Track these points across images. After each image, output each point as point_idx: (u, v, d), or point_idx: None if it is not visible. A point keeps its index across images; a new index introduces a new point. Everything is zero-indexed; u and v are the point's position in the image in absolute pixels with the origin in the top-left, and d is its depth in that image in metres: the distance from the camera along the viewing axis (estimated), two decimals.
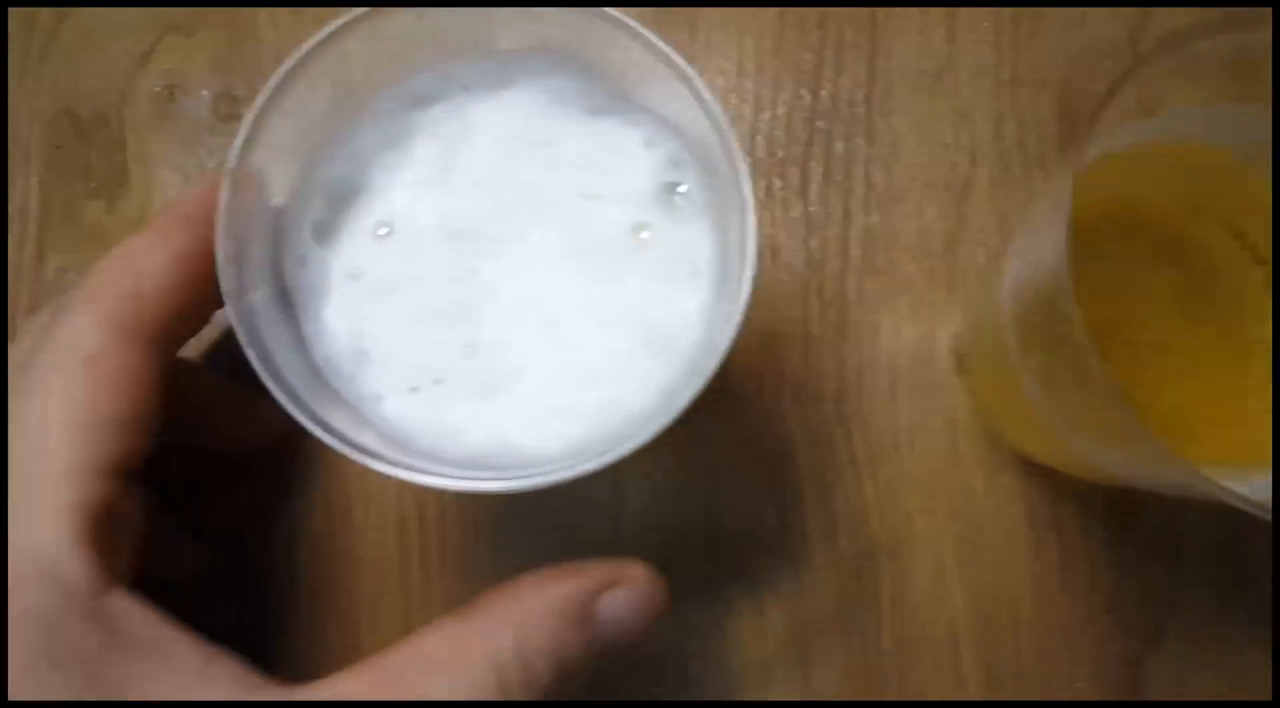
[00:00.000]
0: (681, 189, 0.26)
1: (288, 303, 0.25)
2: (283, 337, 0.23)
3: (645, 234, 0.26)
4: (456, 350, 0.25)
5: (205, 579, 0.33)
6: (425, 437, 0.24)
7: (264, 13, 0.38)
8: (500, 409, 0.25)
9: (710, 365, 0.22)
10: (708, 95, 0.23)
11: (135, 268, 0.25)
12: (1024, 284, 0.26)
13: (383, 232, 0.26)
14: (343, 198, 0.26)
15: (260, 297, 0.24)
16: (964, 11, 0.37)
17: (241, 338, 0.22)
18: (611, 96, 0.26)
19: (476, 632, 0.23)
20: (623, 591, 0.24)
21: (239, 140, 0.23)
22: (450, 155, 0.26)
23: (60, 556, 0.22)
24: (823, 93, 0.36)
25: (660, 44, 0.23)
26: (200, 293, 0.25)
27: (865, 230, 0.36)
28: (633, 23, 0.23)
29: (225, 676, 0.23)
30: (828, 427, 0.35)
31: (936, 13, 0.37)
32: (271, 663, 0.24)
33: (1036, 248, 0.25)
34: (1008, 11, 0.37)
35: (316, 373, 0.24)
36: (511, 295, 0.25)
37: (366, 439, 0.22)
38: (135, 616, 0.23)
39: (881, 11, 0.37)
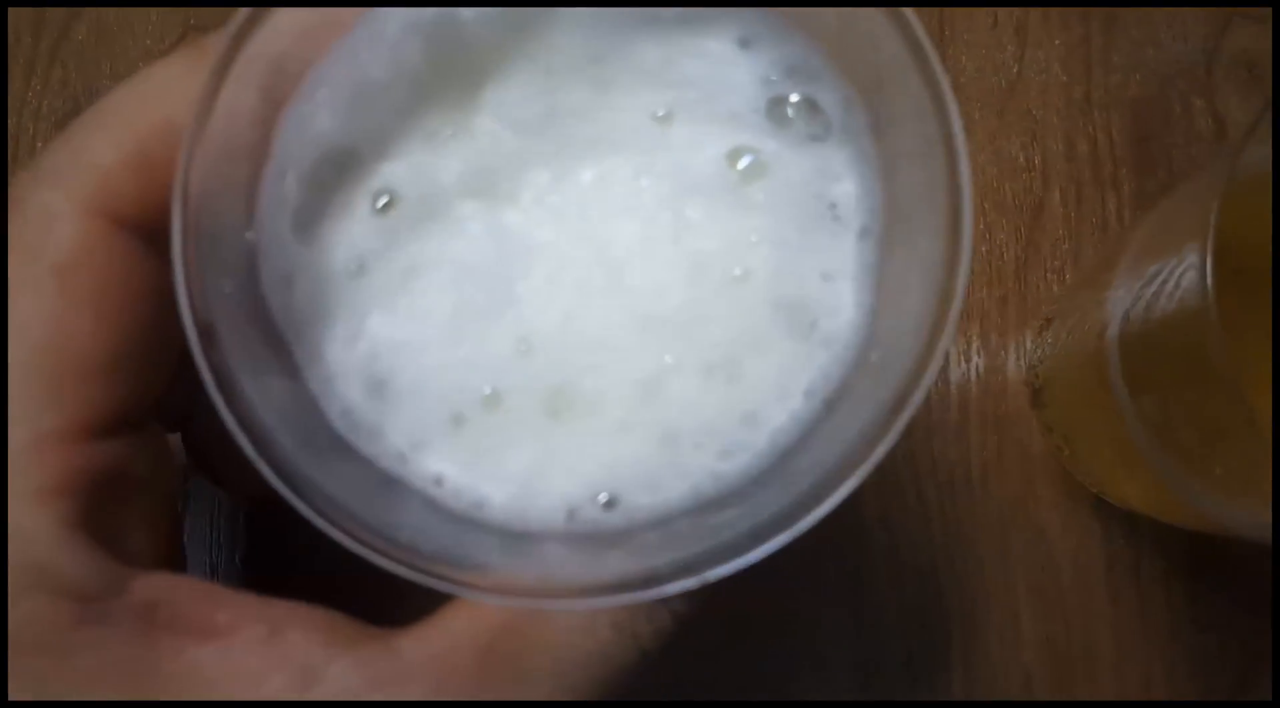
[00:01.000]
0: (794, 99, 0.19)
1: (283, 355, 0.18)
2: (280, 403, 0.17)
3: (746, 161, 0.19)
4: (507, 352, 0.18)
5: None
6: (500, 495, 0.18)
7: None
8: (582, 438, 0.18)
9: (930, 369, 0.16)
10: None
11: (158, 99, 0.17)
12: (1140, 317, 0.24)
13: (383, 202, 0.19)
14: (328, 169, 0.19)
15: (238, 349, 0.17)
16: (1035, 28, 0.35)
17: (225, 414, 0.16)
18: None
19: None
20: None
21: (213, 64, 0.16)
22: (470, 91, 0.19)
23: (51, 554, 0.17)
24: None
25: None
26: None
27: None
28: None
29: (301, 641, 0.18)
30: (893, 464, 0.33)
31: (1006, 28, 0.35)
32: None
33: (1161, 277, 0.23)
34: (1079, 29, 0.35)
35: (340, 445, 0.18)
36: (572, 261, 0.19)
37: (432, 534, 0.17)
38: (172, 597, 0.18)
39: (949, 26, 0.35)
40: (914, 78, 0.17)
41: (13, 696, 0.17)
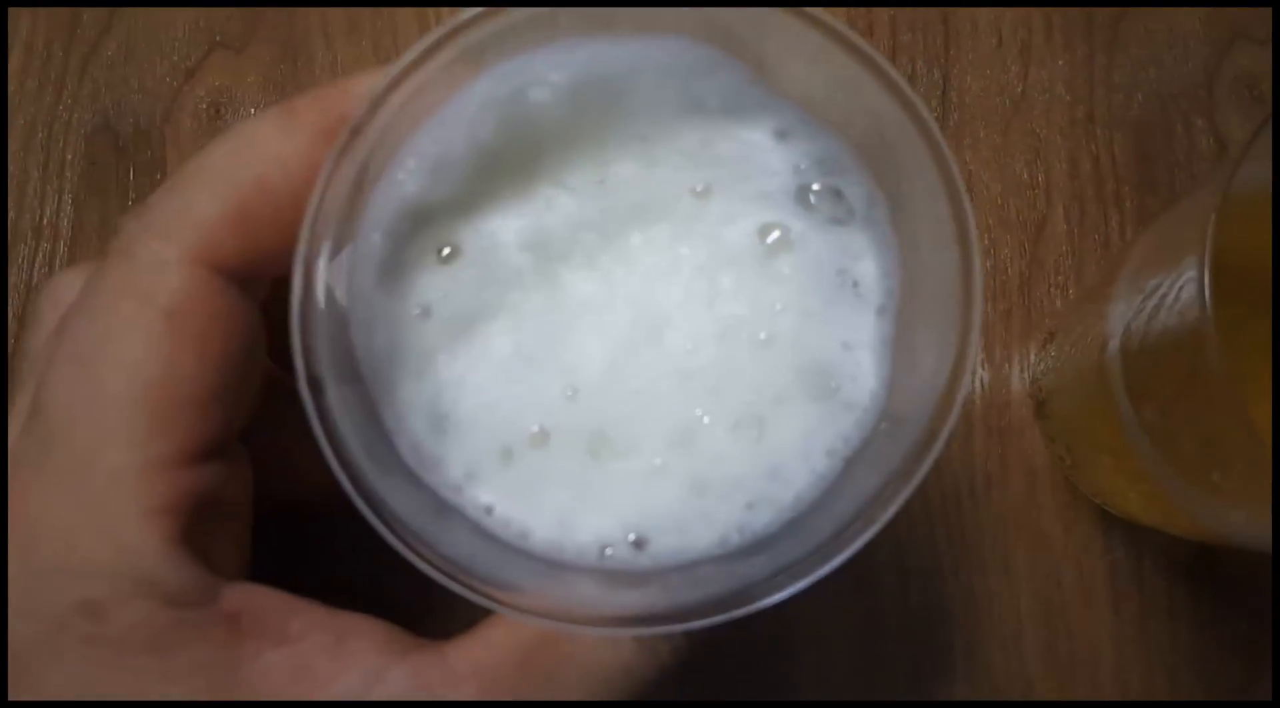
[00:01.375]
0: (820, 187, 0.21)
1: (364, 392, 0.20)
2: (363, 437, 0.19)
3: (775, 236, 0.21)
4: (554, 395, 0.20)
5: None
6: (542, 528, 0.20)
7: (317, 29, 0.36)
8: (617, 480, 0.20)
9: (937, 444, 0.18)
10: (907, 89, 0.18)
11: (254, 157, 0.19)
12: (1140, 329, 0.25)
13: (446, 252, 0.21)
14: (407, 227, 0.21)
15: (333, 393, 0.19)
16: (1039, 48, 0.36)
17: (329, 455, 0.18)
18: (738, 85, 0.21)
19: None
20: None
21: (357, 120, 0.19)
22: (532, 161, 0.21)
23: (156, 566, 0.19)
24: None
25: (837, 25, 0.19)
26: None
27: None
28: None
29: (362, 649, 0.20)
30: None
31: (1010, 48, 0.36)
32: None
33: (1161, 290, 0.24)
34: (1082, 50, 0.36)
35: (409, 475, 0.20)
36: (615, 316, 0.21)
37: (480, 557, 0.19)
38: (253, 606, 0.20)
39: (954, 46, 0.36)
40: (933, 177, 0.18)
41: (118, 690, 0.19)
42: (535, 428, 0.20)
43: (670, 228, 0.21)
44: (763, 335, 0.21)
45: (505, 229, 0.21)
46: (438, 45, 0.19)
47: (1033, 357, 0.34)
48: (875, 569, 0.33)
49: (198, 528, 0.20)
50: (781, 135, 0.21)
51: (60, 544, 0.19)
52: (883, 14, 0.36)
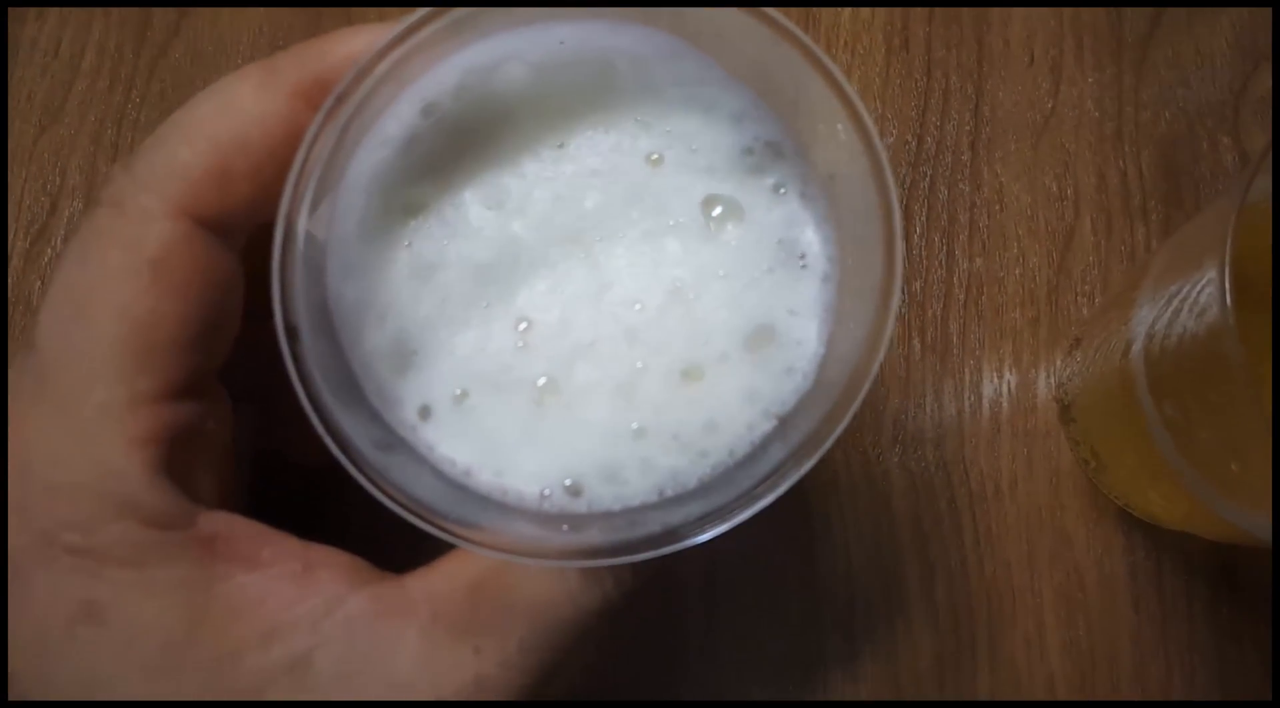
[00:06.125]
0: (768, 166, 0.23)
1: (334, 338, 0.22)
2: (335, 379, 0.20)
3: (720, 208, 0.22)
4: (507, 345, 0.22)
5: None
6: (486, 469, 0.21)
7: None
8: (559, 427, 0.21)
9: (858, 393, 0.19)
10: (845, 83, 0.20)
11: (236, 115, 0.21)
12: (1163, 332, 0.26)
13: (415, 210, 0.22)
14: (381, 182, 0.22)
15: (307, 339, 0.20)
16: (1069, 66, 0.37)
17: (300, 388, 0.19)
18: (700, 71, 0.23)
19: None
20: None
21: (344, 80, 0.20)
22: (494, 126, 0.23)
23: (137, 490, 0.21)
24: (927, 139, 0.37)
25: (789, 25, 0.20)
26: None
27: (969, 275, 0.36)
28: (775, 14, 0.20)
29: (329, 578, 0.21)
30: (927, 472, 0.34)
31: (1042, 66, 0.37)
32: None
33: (1182, 295, 0.25)
34: (1111, 69, 0.37)
35: (372, 414, 0.22)
36: (567, 269, 0.22)
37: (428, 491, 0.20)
38: (229, 532, 0.22)
39: (987, 62, 0.37)
40: (862, 160, 0.20)
41: (100, 598, 0.20)
42: (487, 374, 0.22)
43: (624, 192, 0.22)
44: (705, 298, 0.22)
45: (471, 189, 0.22)
46: (420, 23, 0.20)
47: (1058, 363, 0.35)
48: (902, 564, 0.34)
49: (178, 458, 0.21)
50: (736, 118, 0.23)
51: (53, 468, 0.21)
52: (918, 30, 0.37)
